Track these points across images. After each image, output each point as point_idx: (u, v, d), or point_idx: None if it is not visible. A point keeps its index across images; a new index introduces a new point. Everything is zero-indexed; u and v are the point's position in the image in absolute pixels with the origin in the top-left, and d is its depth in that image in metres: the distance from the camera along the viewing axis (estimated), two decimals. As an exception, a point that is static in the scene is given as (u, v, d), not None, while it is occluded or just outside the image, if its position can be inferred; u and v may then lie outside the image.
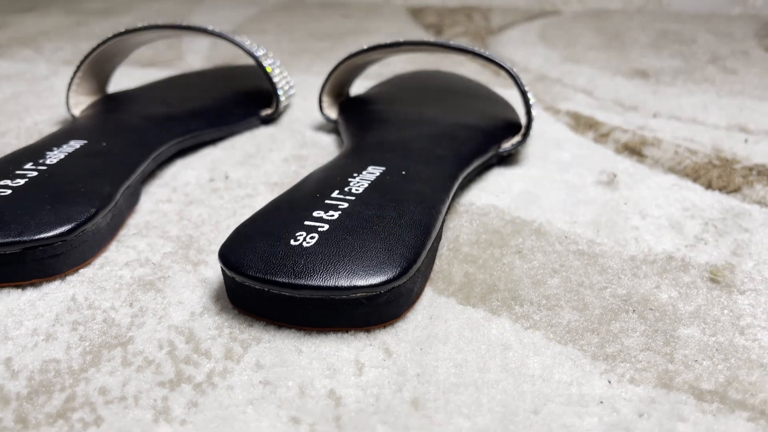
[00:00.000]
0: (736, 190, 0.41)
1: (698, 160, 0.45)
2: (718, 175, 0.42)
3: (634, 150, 0.47)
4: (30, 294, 0.30)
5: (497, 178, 0.42)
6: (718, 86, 0.61)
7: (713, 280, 0.31)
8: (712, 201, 0.39)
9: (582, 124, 0.52)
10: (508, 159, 0.45)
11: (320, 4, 1.09)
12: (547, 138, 0.49)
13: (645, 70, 0.67)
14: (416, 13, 1.00)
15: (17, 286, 0.30)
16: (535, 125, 0.52)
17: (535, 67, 0.69)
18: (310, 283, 0.26)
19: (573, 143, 0.48)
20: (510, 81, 0.58)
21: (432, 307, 0.29)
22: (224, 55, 0.73)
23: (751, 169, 0.43)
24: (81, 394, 0.24)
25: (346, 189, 0.33)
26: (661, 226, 0.36)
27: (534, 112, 0.43)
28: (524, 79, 0.65)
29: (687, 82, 0.63)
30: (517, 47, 0.78)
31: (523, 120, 0.44)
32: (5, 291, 0.30)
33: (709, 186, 0.41)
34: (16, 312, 0.29)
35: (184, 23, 0.48)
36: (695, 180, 0.42)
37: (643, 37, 0.82)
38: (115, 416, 0.23)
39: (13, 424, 0.23)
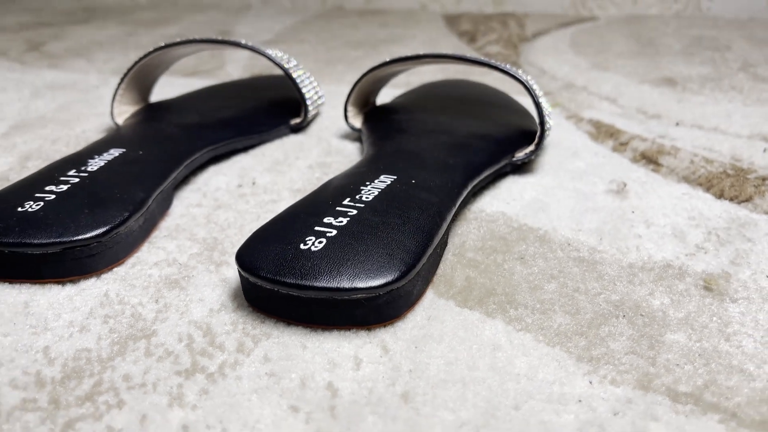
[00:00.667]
0: (747, 200, 0.41)
1: (713, 169, 0.45)
2: (731, 184, 0.43)
3: (650, 159, 0.48)
4: (69, 290, 0.33)
5: (510, 185, 0.44)
6: (745, 94, 0.61)
7: (707, 288, 0.32)
8: (720, 211, 0.40)
9: (602, 132, 0.53)
10: (523, 167, 0.46)
11: (359, 12, 1.12)
12: (565, 146, 0.50)
13: (672, 78, 0.67)
14: (452, 21, 1.01)
15: (58, 282, 0.34)
16: (555, 134, 0.53)
17: (563, 74, 0.70)
18: (315, 284, 0.28)
19: (590, 152, 0.49)
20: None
21: (431, 309, 0.31)
22: (262, 65, 0.76)
23: (764, 179, 0.44)
24: (107, 380, 0.27)
25: (357, 197, 0.35)
26: (665, 235, 0.37)
27: (551, 122, 0.44)
28: (551, 87, 0.66)
29: (714, 90, 0.63)
30: (548, 54, 0.79)
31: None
32: (47, 286, 0.33)
33: (720, 195, 0.42)
34: (56, 306, 0.32)
35: (221, 37, 0.51)
36: (707, 189, 0.43)
37: (677, 44, 0.82)
38: (135, 400, 0.26)
39: (47, 404, 0.26)
